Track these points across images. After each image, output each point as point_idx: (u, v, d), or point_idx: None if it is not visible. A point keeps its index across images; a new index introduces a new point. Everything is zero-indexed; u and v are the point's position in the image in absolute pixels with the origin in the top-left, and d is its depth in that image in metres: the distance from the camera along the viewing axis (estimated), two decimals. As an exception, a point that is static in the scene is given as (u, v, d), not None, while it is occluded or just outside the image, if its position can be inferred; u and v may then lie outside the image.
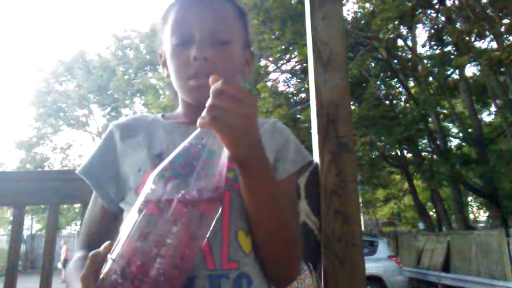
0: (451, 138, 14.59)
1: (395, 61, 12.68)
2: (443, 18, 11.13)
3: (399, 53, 13.15)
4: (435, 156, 13.22)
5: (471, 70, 25.45)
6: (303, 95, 13.10)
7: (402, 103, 14.02)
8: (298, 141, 0.85)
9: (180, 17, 0.76)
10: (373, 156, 14.45)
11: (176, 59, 0.76)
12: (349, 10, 12.53)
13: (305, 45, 1.30)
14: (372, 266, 7.08)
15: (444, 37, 10.89)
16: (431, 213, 17.39)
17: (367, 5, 11.87)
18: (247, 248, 0.70)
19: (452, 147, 14.06)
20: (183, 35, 0.75)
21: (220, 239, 0.68)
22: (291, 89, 14.20)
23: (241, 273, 0.67)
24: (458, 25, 10.00)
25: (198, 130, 0.57)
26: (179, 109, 0.86)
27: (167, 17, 0.79)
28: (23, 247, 17.62)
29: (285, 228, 0.69)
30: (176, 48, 0.76)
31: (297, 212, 0.85)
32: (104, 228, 0.78)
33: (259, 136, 0.63)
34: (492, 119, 16.31)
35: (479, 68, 10.90)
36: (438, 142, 12.63)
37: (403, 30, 12.57)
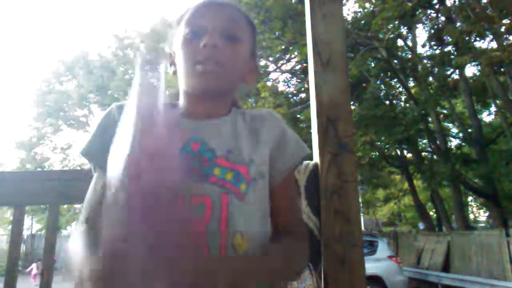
0: (451, 138, 14.60)
1: (395, 61, 12.68)
2: (443, 18, 11.13)
3: (399, 53, 13.15)
4: (435, 156, 13.22)
5: (471, 70, 25.45)
6: (303, 95, 13.10)
7: (402, 103, 14.02)
8: (294, 133, 0.86)
9: (196, 13, 0.81)
10: (373, 156, 14.46)
11: (186, 47, 0.78)
12: (349, 10, 12.53)
13: (305, 45, 1.30)
14: (372, 266, 7.07)
15: (444, 37, 10.88)
16: (431, 213, 17.39)
17: (367, 5, 11.87)
18: (241, 250, 0.71)
19: (452, 147, 14.05)
20: (196, 27, 0.79)
21: (218, 241, 0.69)
22: (291, 89, 14.22)
23: None
24: (458, 25, 9.99)
25: None
26: (180, 102, 0.85)
27: (182, 18, 0.83)
28: (23, 247, 17.65)
29: (290, 274, 0.74)
30: (188, 37, 0.79)
31: (299, 207, 0.86)
32: None
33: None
34: (492, 119, 16.30)
35: (479, 68, 10.89)
36: (438, 142, 12.62)
37: (403, 30, 12.57)
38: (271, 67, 13.55)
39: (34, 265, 14.15)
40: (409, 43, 13.48)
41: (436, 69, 11.60)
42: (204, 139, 0.76)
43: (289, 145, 0.83)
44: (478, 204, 22.41)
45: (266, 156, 0.80)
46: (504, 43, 8.85)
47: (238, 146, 0.78)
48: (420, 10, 11.07)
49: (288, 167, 0.81)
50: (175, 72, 0.84)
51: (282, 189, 0.81)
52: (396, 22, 10.54)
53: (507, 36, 9.25)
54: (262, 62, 12.64)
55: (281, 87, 14.04)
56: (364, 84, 12.54)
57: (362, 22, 11.90)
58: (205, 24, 0.78)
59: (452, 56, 10.73)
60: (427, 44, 12.71)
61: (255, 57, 0.88)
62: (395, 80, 13.50)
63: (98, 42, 50.27)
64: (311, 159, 1.07)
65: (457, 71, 11.51)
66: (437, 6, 11.16)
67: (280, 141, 0.82)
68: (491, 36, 9.67)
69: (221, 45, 0.76)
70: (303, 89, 13.23)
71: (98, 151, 0.77)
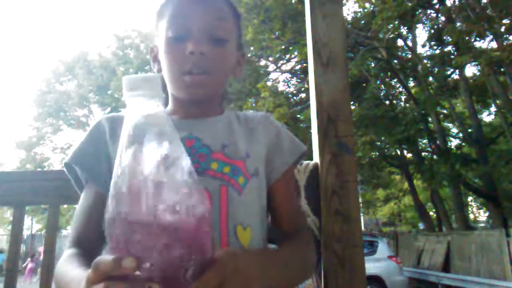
0: (451, 138, 14.60)
1: (395, 61, 12.68)
2: (443, 18, 11.13)
3: (399, 53, 13.15)
4: (435, 156, 13.21)
5: (471, 70, 25.45)
6: (303, 95, 13.10)
7: (402, 103, 14.02)
8: (289, 132, 0.87)
9: (178, 12, 0.75)
10: (373, 156, 14.46)
11: (171, 53, 0.75)
12: (349, 10, 12.54)
13: (305, 45, 1.29)
14: (372, 266, 7.07)
15: (444, 37, 10.88)
16: (431, 213, 17.38)
17: (367, 5, 11.87)
18: (246, 242, 0.71)
19: (452, 147, 14.05)
20: (180, 30, 0.74)
21: (219, 234, 0.68)
22: (291, 89, 14.22)
23: None
24: (458, 25, 9.99)
25: None
26: (169, 107, 0.84)
27: (163, 12, 0.78)
28: (23, 247, 17.72)
29: (304, 276, 0.76)
30: (172, 42, 0.75)
31: (299, 204, 0.86)
32: (98, 220, 0.73)
33: None
34: (492, 119, 16.30)
35: (479, 68, 10.89)
36: (438, 142, 12.62)
37: (403, 30, 12.56)
38: (271, 67, 13.56)
39: (29, 260, 14.28)
40: (409, 43, 13.48)
41: (436, 69, 11.60)
42: (198, 136, 0.76)
43: (285, 143, 0.83)
44: (478, 204, 22.41)
45: (262, 155, 0.80)
46: (504, 43, 8.85)
47: (234, 141, 0.77)
48: (420, 10, 11.08)
49: (286, 164, 0.81)
50: (159, 70, 0.81)
51: (282, 187, 0.81)
52: (396, 22, 10.54)
53: (507, 36, 9.26)
54: (262, 62, 12.64)
55: (281, 87, 14.05)
56: (364, 84, 12.54)
57: (362, 22, 11.90)
58: (189, 25, 0.74)
59: (452, 56, 10.73)
60: (427, 44, 12.72)
61: (242, 46, 0.86)
62: (395, 80, 13.50)
63: (98, 42, 50.33)
64: (311, 159, 1.07)
65: (457, 71, 11.51)
66: (437, 6, 11.16)
67: (276, 140, 0.83)
68: (491, 36, 9.67)
69: (207, 51, 0.73)
70: (303, 89, 13.23)
71: (87, 158, 0.75)
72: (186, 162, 0.45)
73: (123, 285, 0.39)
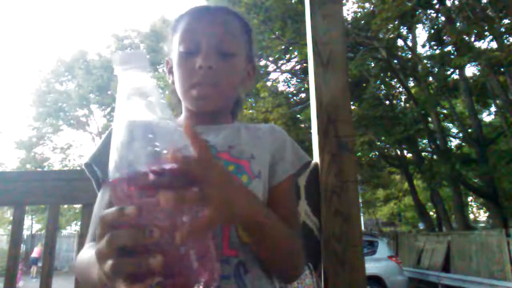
0: (451, 138, 14.60)
1: (395, 61, 12.67)
2: (443, 18, 11.12)
3: (399, 53, 13.14)
4: (435, 156, 13.21)
5: (471, 70, 25.46)
6: (303, 95, 13.10)
7: (402, 103, 14.02)
8: (295, 143, 0.88)
9: (190, 27, 0.79)
10: (373, 156, 14.46)
11: (182, 66, 0.79)
12: (349, 10, 12.53)
13: (305, 45, 1.29)
14: (372, 266, 7.07)
15: (444, 37, 10.88)
16: (431, 213, 17.38)
17: (367, 5, 11.86)
18: (247, 239, 0.71)
19: (452, 147, 14.05)
20: (191, 44, 0.78)
21: (220, 228, 0.69)
22: (291, 89, 14.22)
23: (239, 261, 0.69)
24: (458, 25, 9.99)
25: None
26: (182, 116, 0.87)
27: (177, 27, 0.82)
28: (23, 247, 17.73)
29: (289, 252, 0.70)
30: (183, 56, 0.79)
31: (297, 212, 0.87)
32: None
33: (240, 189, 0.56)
34: (492, 119, 16.30)
35: (479, 68, 10.89)
36: (438, 142, 12.62)
37: (403, 30, 12.56)
38: (271, 67, 13.55)
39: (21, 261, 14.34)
40: (409, 43, 13.48)
41: (436, 69, 11.59)
42: (204, 138, 0.77)
43: (289, 153, 0.84)
44: (478, 204, 22.41)
45: (266, 160, 0.81)
46: (504, 43, 8.85)
47: (240, 143, 0.80)
48: (420, 10, 11.07)
49: (287, 172, 0.82)
50: (173, 82, 0.84)
51: (280, 192, 0.81)
52: (396, 22, 10.54)
53: (507, 36, 9.25)
54: (262, 62, 12.63)
55: (281, 87, 14.05)
56: (364, 84, 12.54)
57: (362, 22, 11.89)
58: (199, 40, 0.77)
59: (452, 56, 10.72)
60: (427, 44, 12.71)
61: (252, 59, 0.88)
62: (395, 80, 13.49)
63: (98, 42, 50.36)
64: (316, 167, 1.07)
65: (457, 71, 11.50)
66: (437, 6, 11.16)
67: (280, 149, 0.84)
68: (491, 36, 9.66)
69: (216, 65, 0.76)
70: (303, 89, 13.22)
71: (106, 159, 0.79)
72: (176, 132, 0.48)
73: (127, 231, 0.43)
